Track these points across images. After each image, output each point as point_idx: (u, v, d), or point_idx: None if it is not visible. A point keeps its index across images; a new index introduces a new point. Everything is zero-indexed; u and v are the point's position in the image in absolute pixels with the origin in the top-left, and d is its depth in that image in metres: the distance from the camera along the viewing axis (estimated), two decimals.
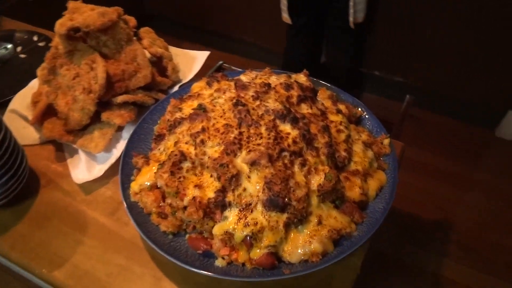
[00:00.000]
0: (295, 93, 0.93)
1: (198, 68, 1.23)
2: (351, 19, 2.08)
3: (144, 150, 0.97)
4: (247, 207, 0.77)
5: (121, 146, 1.05)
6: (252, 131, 0.83)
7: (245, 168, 0.79)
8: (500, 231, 2.19)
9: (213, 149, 0.83)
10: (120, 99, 1.04)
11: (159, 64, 1.15)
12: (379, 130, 0.98)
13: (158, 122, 1.04)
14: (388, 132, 0.97)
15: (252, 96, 0.89)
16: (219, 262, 0.77)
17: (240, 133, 0.83)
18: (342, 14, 2.11)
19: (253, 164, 0.79)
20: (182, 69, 1.21)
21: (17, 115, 1.12)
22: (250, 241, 0.75)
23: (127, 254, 0.86)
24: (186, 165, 0.83)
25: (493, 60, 2.49)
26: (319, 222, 0.78)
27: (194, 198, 0.78)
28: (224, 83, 0.96)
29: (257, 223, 0.75)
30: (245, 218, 0.76)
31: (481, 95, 2.68)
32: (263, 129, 0.84)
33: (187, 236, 0.82)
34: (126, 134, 1.06)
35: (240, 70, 1.13)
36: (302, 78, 1.00)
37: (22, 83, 1.26)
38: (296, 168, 0.80)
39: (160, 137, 0.92)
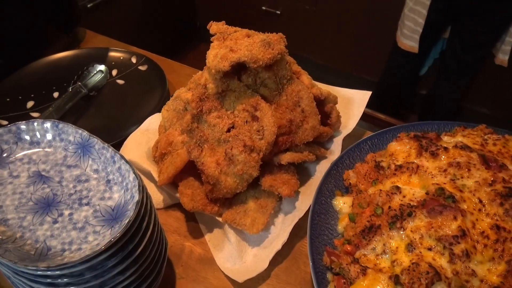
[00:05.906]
0: None
1: (359, 115, 0.95)
2: (503, 57, 1.78)
3: (328, 239, 0.69)
4: None
5: (281, 222, 0.77)
6: None
7: None
8: None
9: (484, 268, 0.54)
10: (285, 159, 0.76)
11: (320, 108, 0.87)
12: None
13: (335, 192, 0.76)
14: None
15: None
16: None
17: None
18: (480, 47, 1.87)
19: None
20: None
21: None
22: None
23: None
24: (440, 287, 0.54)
25: None
26: None
27: None
28: (455, 152, 0.67)
29: None
30: None
31: None
32: None
33: None
34: (287, 206, 0.79)
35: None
36: None
37: (129, 119, 1.00)
38: None
39: (372, 230, 0.63)
